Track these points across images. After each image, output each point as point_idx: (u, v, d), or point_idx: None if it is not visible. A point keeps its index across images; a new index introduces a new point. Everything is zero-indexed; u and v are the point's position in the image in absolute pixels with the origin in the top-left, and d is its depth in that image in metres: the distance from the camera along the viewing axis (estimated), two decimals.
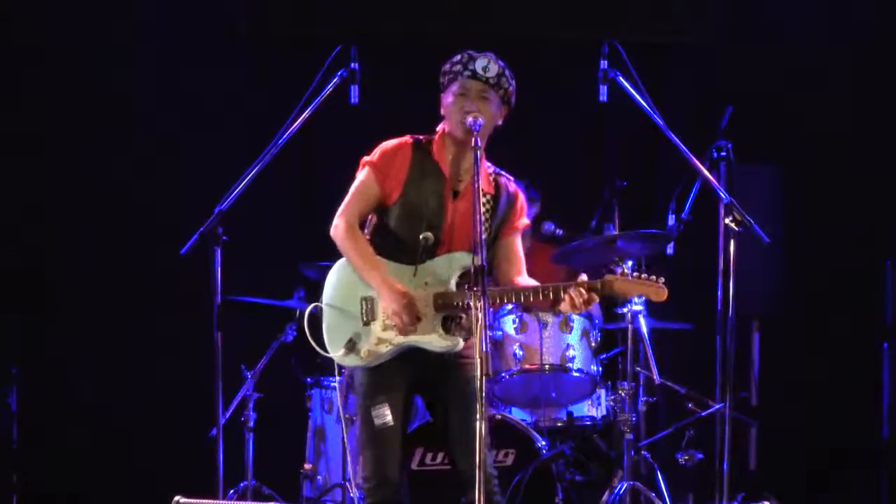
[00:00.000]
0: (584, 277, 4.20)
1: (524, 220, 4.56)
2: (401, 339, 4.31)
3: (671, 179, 5.71)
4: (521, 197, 4.55)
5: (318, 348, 4.41)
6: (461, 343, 4.32)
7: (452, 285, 4.32)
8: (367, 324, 4.35)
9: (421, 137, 4.46)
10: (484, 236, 4.27)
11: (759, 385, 6.57)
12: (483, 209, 4.35)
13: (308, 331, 4.45)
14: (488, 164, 4.50)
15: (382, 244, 4.40)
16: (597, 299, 4.21)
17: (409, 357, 4.34)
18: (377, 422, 4.32)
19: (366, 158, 4.46)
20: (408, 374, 4.37)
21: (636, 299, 5.51)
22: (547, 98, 6.50)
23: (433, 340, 4.30)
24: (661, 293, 4.22)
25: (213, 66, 6.70)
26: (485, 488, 4.25)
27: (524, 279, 4.47)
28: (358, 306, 4.37)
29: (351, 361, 4.37)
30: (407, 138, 4.46)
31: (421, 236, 4.33)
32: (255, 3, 6.81)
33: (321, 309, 4.44)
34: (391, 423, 4.32)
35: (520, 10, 6.73)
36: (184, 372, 6.11)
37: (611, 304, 5.49)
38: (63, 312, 6.59)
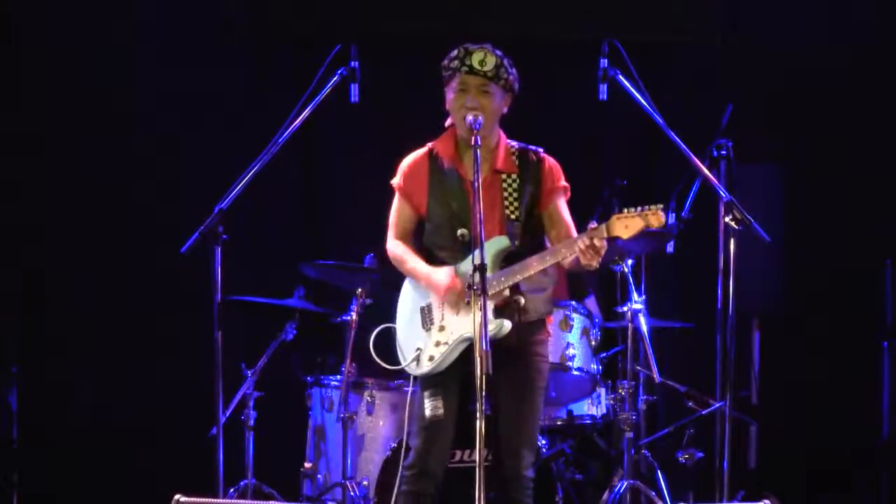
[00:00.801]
0: (593, 224, 4.22)
1: (562, 182, 4.56)
2: (454, 337, 4.39)
3: (671, 178, 5.72)
4: (549, 160, 4.57)
5: (383, 364, 4.58)
6: (506, 325, 4.32)
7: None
8: (427, 329, 4.47)
9: (437, 142, 4.56)
10: (513, 217, 4.41)
11: (760, 384, 6.57)
12: (509, 190, 4.45)
13: (373, 350, 4.60)
14: (510, 141, 4.55)
15: (428, 252, 4.54)
16: (602, 243, 4.19)
17: (467, 356, 4.35)
18: (428, 413, 4.42)
19: (392, 182, 4.60)
20: (465, 373, 4.38)
21: (636, 297, 5.52)
22: (547, 97, 6.50)
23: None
24: (659, 218, 4.19)
25: (212, 66, 6.69)
26: (517, 489, 4.37)
27: None
28: (419, 317, 4.49)
29: (419, 370, 4.47)
30: (424, 149, 4.57)
31: (458, 233, 4.43)
32: (255, 2, 6.80)
33: (394, 329, 4.60)
34: (442, 415, 4.41)
35: (519, 8, 6.72)
36: (184, 371, 6.12)
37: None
38: (63, 311, 6.57)
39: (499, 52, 4.41)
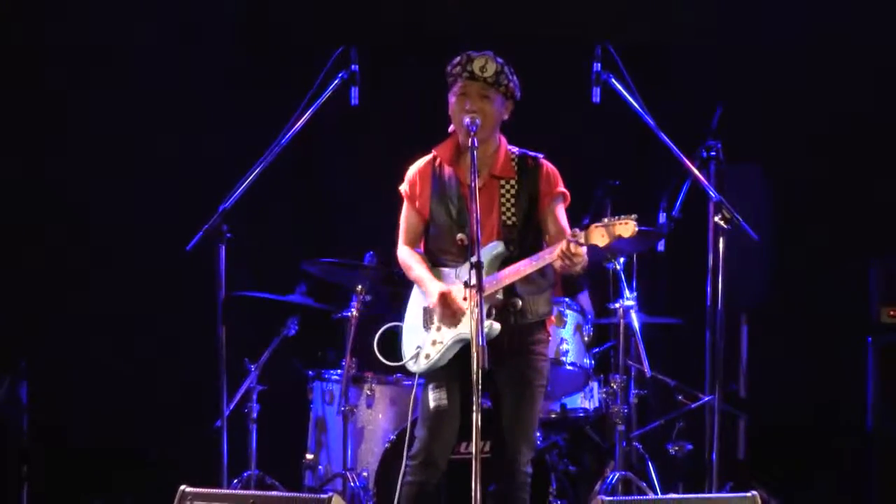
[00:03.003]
0: (575, 231, 4.29)
1: (560, 188, 4.61)
2: (449, 337, 4.48)
3: (663, 178, 5.75)
4: (548, 165, 4.62)
5: (387, 362, 4.69)
6: (495, 326, 4.40)
7: None
8: (427, 329, 4.56)
9: (439, 147, 4.64)
10: (510, 222, 4.48)
11: (748, 377, 6.61)
12: (507, 196, 4.52)
13: (376, 346, 4.73)
14: (511, 147, 4.62)
15: (431, 255, 4.64)
16: (578, 249, 4.25)
17: (463, 353, 4.44)
18: (433, 404, 4.50)
19: (400, 188, 4.68)
20: (464, 368, 4.40)
21: (628, 294, 5.61)
22: (542, 97, 6.55)
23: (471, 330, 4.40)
24: (629, 228, 4.22)
25: (214, 68, 6.71)
26: (514, 484, 4.44)
27: None
28: (423, 316, 4.59)
29: (418, 368, 4.55)
30: (429, 155, 4.65)
31: (457, 237, 4.51)
32: (256, 5, 6.85)
33: (400, 328, 4.68)
34: (446, 406, 4.48)
35: (518, 9, 6.74)
36: (189, 365, 6.11)
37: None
38: (68, 307, 6.58)
39: (500, 60, 4.50)
